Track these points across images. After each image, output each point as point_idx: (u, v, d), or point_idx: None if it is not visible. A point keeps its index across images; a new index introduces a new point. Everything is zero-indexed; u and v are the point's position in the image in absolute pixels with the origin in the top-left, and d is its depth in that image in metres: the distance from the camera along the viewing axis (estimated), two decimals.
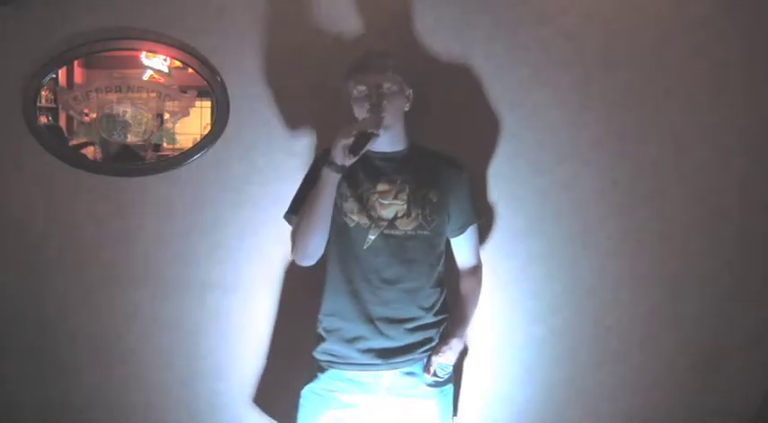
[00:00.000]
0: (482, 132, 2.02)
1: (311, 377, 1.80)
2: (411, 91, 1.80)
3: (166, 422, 2.12)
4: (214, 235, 2.06)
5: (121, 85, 2.05)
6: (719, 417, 2.07)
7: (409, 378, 1.76)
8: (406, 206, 1.75)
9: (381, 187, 1.76)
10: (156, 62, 2.05)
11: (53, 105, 2.07)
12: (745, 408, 2.08)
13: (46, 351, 2.10)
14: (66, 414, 2.12)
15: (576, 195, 2.02)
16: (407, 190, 1.76)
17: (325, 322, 1.80)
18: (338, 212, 1.76)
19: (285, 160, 2.03)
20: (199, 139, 2.04)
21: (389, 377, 1.75)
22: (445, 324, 1.84)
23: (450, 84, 2.01)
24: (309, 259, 1.78)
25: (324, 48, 2.00)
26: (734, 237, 2.02)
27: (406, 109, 1.80)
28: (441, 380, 1.78)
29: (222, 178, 2.05)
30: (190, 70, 2.02)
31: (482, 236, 2.02)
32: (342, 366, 1.76)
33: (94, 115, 2.06)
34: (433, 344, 1.79)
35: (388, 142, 1.77)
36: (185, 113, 2.07)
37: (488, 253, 2.03)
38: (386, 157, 1.79)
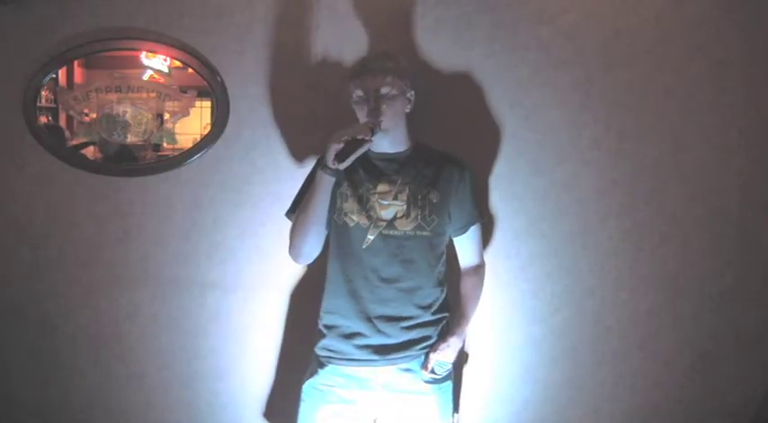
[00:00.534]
0: (482, 132, 2.02)
1: (312, 372, 1.82)
2: (413, 92, 1.80)
3: (166, 422, 2.12)
4: (214, 235, 2.06)
5: (121, 85, 2.05)
6: (719, 416, 2.07)
7: (406, 374, 1.77)
8: (405, 207, 1.76)
9: (381, 188, 1.77)
10: (156, 62, 2.05)
11: (53, 105, 2.07)
12: (745, 408, 2.08)
13: (46, 351, 2.10)
14: (66, 414, 2.12)
15: (576, 195, 2.02)
16: (407, 191, 1.76)
17: (325, 319, 1.82)
18: (338, 212, 1.77)
19: (285, 160, 2.03)
20: (199, 139, 2.04)
21: (386, 373, 1.76)
22: (445, 323, 1.84)
23: (451, 84, 2.01)
24: (304, 258, 1.81)
25: (324, 48, 2.00)
26: (734, 237, 2.02)
27: (408, 111, 1.80)
28: (438, 377, 1.78)
29: (222, 178, 2.05)
30: (190, 70, 2.02)
31: (483, 236, 2.02)
32: (340, 362, 1.78)
33: (94, 115, 2.06)
34: (431, 342, 1.79)
35: (388, 143, 1.78)
36: (185, 113, 2.07)
37: (488, 253, 2.03)
38: (387, 157, 1.79)
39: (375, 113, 1.70)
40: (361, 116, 1.74)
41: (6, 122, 2.02)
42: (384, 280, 1.75)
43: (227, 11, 2.00)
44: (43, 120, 2.04)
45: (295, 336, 2.06)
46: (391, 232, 1.75)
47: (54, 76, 2.03)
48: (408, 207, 1.76)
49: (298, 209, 1.80)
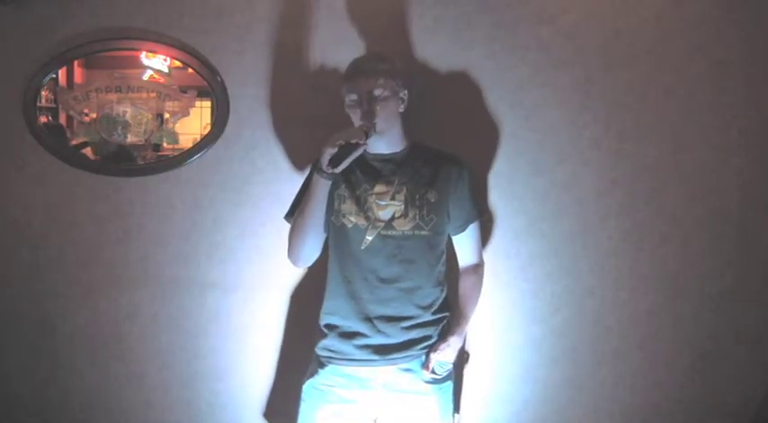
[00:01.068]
0: (482, 132, 2.02)
1: (312, 372, 1.82)
2: (406, 91, 1.79)
3: (166, 422, 2.12)
4: (214, 235, 2.06)
5: (121, 85, 2.05)
6: (719, 416, 2.07)
7: (406, 374, 1.77)
8: (403, 207, 1.76)
9: (378, 188, 1.77)
10: (156, 62, 2.05)
11: (53, 105, 2.07)
12: (745, 408, 2.08)
13: (45, 351, 2.10)
14: (66, 414, 2.12)
15: (576, 195, 2.02)
16: (405, 191, 1.76)
17: (325, 319, 1.82)
18: (336, 214, 1.77)
19: (285, 160, 2.03)
20: (199, 139, 2.04)
21: (386, 373, 1.76)
22: (445, 322, 1.84)
23: (450, 84, 2.01)
24: (304, 261, 1.82)
25: (324, 48, 2.00)
26: (734, 237, 2.02)
27: (402, 110, 1.79)
28: (439, 377, 1.78)
29: (222, 178, 2.05)
30: (190, 70, 2.02)
31: (482, 236, 2.02)
32: (340, 362, 1.78)
33: (94, 115, 2.06)
34: (432, 341, 1.79)
35: (384, 144, 1.78)
36: (185, 113, 2.07)
37: (488, 253, 2.03)
38: (383, 158, 1.79)
39: (369, 116, 1.70)
40: (356, 119, 1.74)
41: (6, 122, 2.02)
42: (383, 280, 1.75)
43: (227, 11, 2.01)
44: (43, 120, 2.04)
45: (295, 336, 2.06)
46: (390, 232, 1.75)
47: (54, 76, 2.03)
48: (406, 207, 1.76)
49: (296, 213, 1.80)
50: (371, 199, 1.76)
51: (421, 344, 1.78)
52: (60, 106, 2.07)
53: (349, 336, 1.77)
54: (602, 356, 2.07)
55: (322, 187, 1.71)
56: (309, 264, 1.83)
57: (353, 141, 1.64)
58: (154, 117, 2.07)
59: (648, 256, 2.03)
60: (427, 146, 1.86)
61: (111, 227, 2.06)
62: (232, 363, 2.10)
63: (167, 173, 2.05)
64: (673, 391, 2.07)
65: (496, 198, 2.03)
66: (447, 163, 1.83)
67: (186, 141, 2.07)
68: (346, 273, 1.77)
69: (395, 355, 1.76)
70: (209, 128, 2.04)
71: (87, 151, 2.08)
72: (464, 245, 1.88)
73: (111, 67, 2.06)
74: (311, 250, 1.80)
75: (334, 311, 1.80)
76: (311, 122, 2.00)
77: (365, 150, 1.72)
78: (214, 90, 2.00)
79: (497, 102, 2.00)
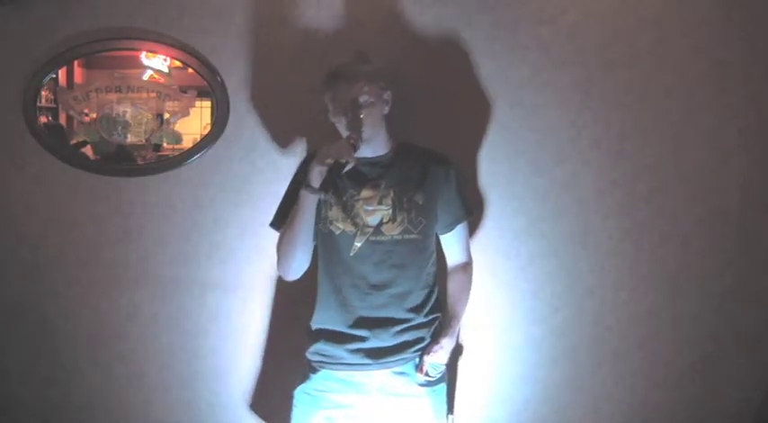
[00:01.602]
0: (482, 132, 2.01)
1: (304, 378, 1.80)
2: (390, 92, 1.76)
3: (166, 422, 2.12)
4: (214, 235, 2.06)
5: (121, 85, 2.05)
6: (719, 416, 2.07)
7: (400, 378, 1.75)
8: (391, 211, 1.73)
9: (365, 193, 1.74)
10: (156, 62, 2.05)
11: (53, 105, 2.07)
12: (745, 408, 2.08)
13: (46, 351, 2.10)
14: (66, 414, 2.12)
15: (576, 195, 2.02)
16: (392, 194, 1.74)
17: (316, 325, 1.80)
18: (323, 221, 1.75)
19: (285, 160, 2.03)
20: (199, 139, 2.04)
21: (380, 377, 1.75)
22: (437, 323, 1.83)
23: (450, 84, 2.00)
24: (294, 274, 1.79)
25: (324, 48, 2.00)
26: (734, 237, 2.03)
27: (386, 112, 1.77)
28: (433, 379, 1.77)
29: (222, 178, 2.05)
30: (190, 70, 2.02)
31: (482, 236, 2.03)
32: (333, 367, 1.76)
33: (94, 115, 2.06)
34: (425, 343, 1.78)
35: (370, 148, 1.75)
36: (185, 113, 2.07)
37: (488, 253, 2.03)
38: (369, 162, 1.77)
39: (355, 127, 1.67)
40: (341, 128, 1.72)
41: (6, 122, 2.02)
42: (374, 287, 1.73)
43: (227, 11, 2.00)
44: (43, 120, 2.04)
45: (295, 336, 2.05)
46: (379, 238, 1.73)
47: (54, 76, 2.03)
48: (394, 211, 1.73)
49: (283, 225, 1.78)
50: (358, 204, 1.73)
51: (414, 346, 1.77)
52: (60, 106, 2.07)
53: (341, 340, 1.75)
54: (602, 356, 2.07)
55: (311, 203, 1.69)
56: (300, 275, 1.80)
57: (343, 161, 1.60)
58: (154, 117, 2.07)
59: (648, 256, 2.03)
60: (413, 145, 1.84)
61: (111, 227, 2.06)
62: (232, 363, 2.10)
63: (167, 173, 2.05)
64: (673, 391, 2.07)
65: (496, 198, 2.03)
66: (434, 163, 1.80)
67: (186, 141, 2.07)
68: (336, 281, 1.76)
69: (388, 359, 1.74)
70: (209, 128, 2.04)
71: (87, 150, 2.08)
72: (452, 244, 1.86)
73: (111, 67, 2.06)
74: (302, 262, 1.77)
75: (326, 321, 1.78)
76: (311, 123, 2.00)
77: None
78: (214, 90, 2.00)
79: (497, 102, 2.00)
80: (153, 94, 2.06)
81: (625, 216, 2.02)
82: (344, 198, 1.74)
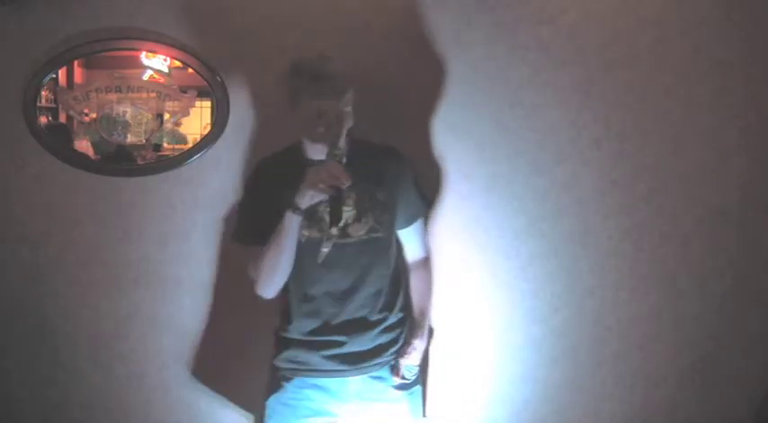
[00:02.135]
0: (482, 132, 2.01)
1: (275, 387, 1.76)
2: (351, 91, 1.67)
3: (166, 422, 2.12)
4: (214, 235, 2.06)
5: (121, 85, 2.05)
6: (719, 417, 2.07)
7: (377, 382, 1.74)
8: (355, 211, 1.69)
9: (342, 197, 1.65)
10: (156, 62, 2.05)
11: (53, 105, 2.07)
12: (745, 408, 2.08)
13: (46, 351, 2.10)
14: (66, 414, 2.12)
15: (576, 195, 2.02)
16: (353, 194, 1.68)
17: (288, 335, 1.76)
18: None
19: None
20: (199, 139, 2.04)
21: (357, 383, 1.72)
22: (407, 322, 1.81)
23: (450, 84, 2.00)
24: (276, 292, 1.74)
25: (324, 48, 1.99)
26: (734, 237, 2.03)
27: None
28: (408, 382, 1.77)
29: (222, 178, 2.05)
30: (190, 70, 2.02)
31: (482, 236, 2.03)
32: (307, 373, 1.72)
33: (94, 115, 2.06)
34: (399, 345, 1.77)
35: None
36: (185, 113, 2.07)
37: (488, 253, 2.03)
38: None
39: (336, 139, 1.60)
40: (314, 135, 1.64)
41: (6, 122, 2.02)
42: (347, 291, 1.70)
43: (226, 11, 2.00)
44: (43, 120, 2.04)
45: None
46: (346, 240, 1.68)
47: (54, 76, 2.03)
48: (358, 211, 1.69)
49: (251, 242, 1.72)
50: (321, 208, 1.65)
51: (390, 349, 1.75)
52: (60, 106, 2.07)
53: (315, 346, 1.71)
54: (602, 356, 2.07)
55: (296, 224, 1.62)
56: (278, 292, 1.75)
57: (343, 185, 1.54)
58: (154, 117, 2.07)
59: (648, 256, 2.03)
60: (364, 141, 1.78)
61: (112, 227, 2.06)
62: (232, 363, 2.10)
63: (167, 173, 2.05)
64: (673, 392, 2.07)
65: (497, 198, 2.03)
66: (389, 158, 1.78)
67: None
68: (307, 290, 1.71)
69: (365, 364, 1.72)
70: (209, 128, 2.04)
71: (88, 150, 2.08)
72: (412, 239, 1.83)
73: (111, 67, 2.06)
74: (284, 281, 1.71)
75: (298, 329, 1.74)
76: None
77: (308, 158, 1.67)
78: (214, 90, 2.00)
79: (497, 102, 2.00)
80: (153, 94, 2.06)
81: (625, 216, 2.02)
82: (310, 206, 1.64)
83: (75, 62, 2.05)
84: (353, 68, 1.72)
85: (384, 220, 1.72)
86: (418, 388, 1.82)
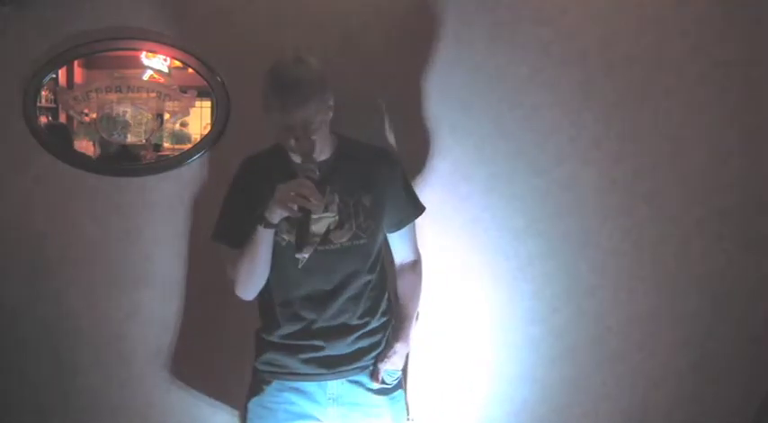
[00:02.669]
0: (482, 132, 2.01)
1: (256, 390, 1.74)
2: (332, 97, 1.63)
3: (166, 422, 2.12)
4: None
5: (121, 85, 2.05)
6: (719, 417, 2.08)
7: (356, 387, 1.71)
8: (337, 217, 1.65)
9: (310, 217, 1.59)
10: (156, 62, 2.05)
11: (53, 105, 2.06)
12: (745, 408, 2.08)
13: (46, 351, 2.10)
14: (66, 414, 2.12)
15: (576, 195, 2.02)
16: (337, 200, 1.65)
17: (265, 334, 1.74)
18: None
19: None
20: (199, 139, 2.05)
21: (335, 387, 1.70)
22: (390, 326, 1.79)
23: (450, 84, 2.00)
24: (254, 295, 1.72)
25: (324, 48, 2.00)
26: (734, 237, 2.02)
27: (330, 117, 1.64)
28: (389, 387, 1.74)
29: (222, 178, 2.05)
30: (190, 70, 2.02)
31: (482, 236, 2.03)
32: (286, 377, 1.70)
33: (94, 115, 2.06)
34: (380, 350, 1.74)
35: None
36: (185, 113, 2.07)
37: (488, 253, 2.03)
38: None
39: (308, 150, 1.54)
40: (289, 148, 1.61)
41: (6, 122, 2.02)
42: (326, 297, 1.66)
43: (226, 11, 2.00)
44: (44, 120, 2.04)
45: None
46: (327, 247, 1.64)
47: (54, 76, 2.03)
48: (341, 216, 1.65)
49: (230, 243, 1.70)
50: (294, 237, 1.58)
51: (370, 353, 1.72)
52: (60, 106, 2.07)
53: (294, 349, 1.69)
54: (602, 356, 2.07)
55: (268, 236, 1.58)
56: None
57: (312, 207, 1.50)
58: (154, 117, 2.07)
59: (648, 256, 2.03)
60: (354, 141, 1.74)
61: (112, 227, 2.06)
62: (232, 363, 2.10)
63: (167, 173, 2.05)
64: (672, 391, 2.07)
65: (497, 198, 2.03)
66: (379, 161, 1.73)
67: None
68: (286, 294, 1.68)
69: (343, 368, 1.69)
70: (209, 128, 2.04)
71: (89, 150, 2.08)
72: (401, 243, 1.80)
73: (111, 67, 2.06)
74: (262, 284, 1.68)
75: (277, 332, 1.71)
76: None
77: (291, 162, 1.64)
78: (214, 90, 2.00)
79: (497, 102, 2.00)
80: (153, 94, 2.06)
81: (625, 216, 2.02)
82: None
83: (75, 62, 2.05)
84: (328, 67, 1.68)
85: (368, 226, 1.67)
86: (400, 393, 1.78)
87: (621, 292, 2.05)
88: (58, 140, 2.04)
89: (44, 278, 2.08)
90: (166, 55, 2.02)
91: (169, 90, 2.06)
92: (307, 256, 1.63)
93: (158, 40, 2.00)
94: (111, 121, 2.06)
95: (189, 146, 2.05)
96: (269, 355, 1.73)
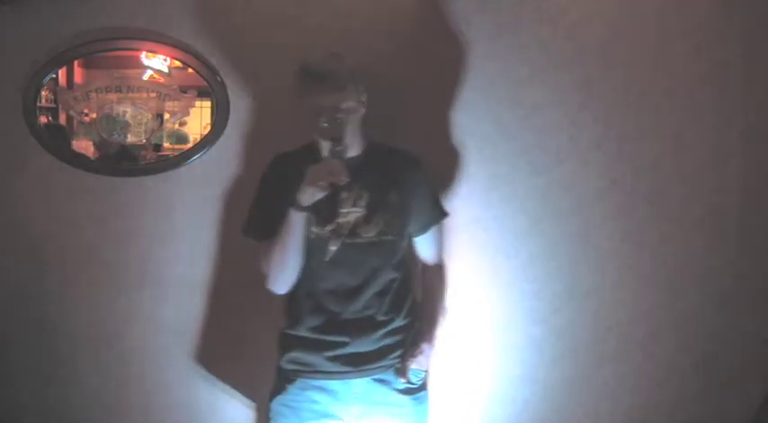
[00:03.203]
0: (482, 132, 2.01)
1: (279, 388, 1.75)
2: (366, 94, 1.70)
3: (166, 422, 2.12)
4: (214, 235, 2.06)
5: (121, 85, 2.05)
6: (719, 417, 2.07)
7: (381, 385, 1.72)
8: (365, 212, 1.68)
9: (340, 195, 1.66)
10: (156, 62, 2.05)
11: (53, 105, 2.07)
12: (745, 408, 2.08)
13: (46, 351, 2.10)
14: (66, 414, 2.12)
15: (576, 195, 2.02)
16: (366, 195, 1.69)
17: (290, 331, 1.75)
18: None
19: None
20: (199, 139, 2.05)
21: (361, 385, 1.71)
22: (415, 327, 1.80)
23: (450, 84, 2.00)
24: (287, 287, 1.73)
25: (324, 48, 1.99)
26: (734, 237, 2.02)
27: (362, 114, 1.71)
28: (414, 386, 1.74)
29: (222, 178, 2.05)
30: (190, 70, 2.02)
31: (482, 236, 2.03)
32: (311, 375, 1.71)
33: (94, 115, 2.06)
34: (404, 349, 1.74)
35: None
36: (185, 113, 2.07)
37: (488, 253, 2.03)
38: None
39: (339, 136, 1.60)
40: (318, 131, 1.66)
41: (6, 122, 2.02)
42: (352, 291, 1.69)
43: (226, 11, 2.01)
44: (43, 120, 2.04)
45: None
46: (355, 240, 1.67)
47: (54, 76, 2.03)
48: (369, 212, 1.68)
49: (262, 237, 1.72)
50: (327, 205, 1.63)
51: (395, 351, 1.73)
52: (60, 106, 2.07)
53: (319, 347, 1.70)
54: (603, 357, 2.06)
55: (301, 220, 1.62)
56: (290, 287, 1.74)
57: (342, 183, 1.55)
58: (154, 117, 2.07)
59: (648, 256, 2.03)
60: (383, 145, 1.78)
61: (112, 227, 2.06)
62: (232, 363, 2.10)
63: (167, 173, 2.05)
64: (673, 392, 2.07)
65: (497, 198, 2.03)
66: (406, 163, 1.77)
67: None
68: (312, 287, 1.70)
69: (369, 366, 1.70)
70: (209, 128, 2.04)
71: (88, 150, 2.08)
72: (426, 246, 1.83)
73: (111, 67, 2.06)
74: (295, 275, 1.70)
75: (301, 327, 1.72)
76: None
77: (322, 156, 1.66)
78: (214, 90, 2.00)
79: (497, 102, 2.00)
80: (153, 94, 2.06)
81: (625, 216, 2.02)
82: (318, 201, 1.63)
83: (75, 62, 2.05)
84: (362, 67, 1.74)
85: (395, 223, 1.71)
86: (425, 393, 1.79)
87: (622, 292, 2.05)
88: (57, 140, 2.04)
89: (44, 278, 2.08)
90: (166, 55, 2.02)
91: (169, 90, 2.07)
92: (335, 248, 1.67)
93: (158, 40, 2.00)
94: (111, 121, 2.06)
95: (189, 146, 2.05)
96: (294, 354, 1.73)
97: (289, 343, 1.76)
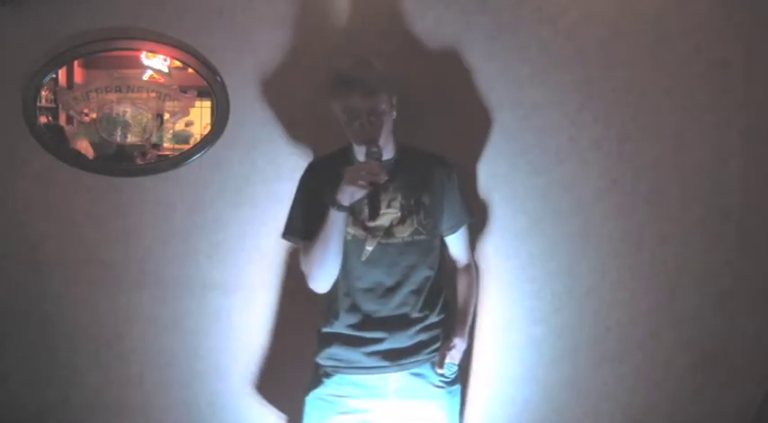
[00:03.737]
0: (482, 132, 2.01)
1: (316, 383, 1.79)
2: (396, 97, 1.75)
3: (166, 422, 2.12)
4: (214, 235, 2.06)
5: (121, 85, 2.05)
6: (719, 417, 2.07)
7: (417, 379, 1.76)
8: (400, 213, 1.74)
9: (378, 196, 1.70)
10: (156, 62, 2.05)
11: (53, 105, 2.07)
12: (745, 408, 2.08)
13: (46, 351, 2.10)
14: (66, 414, 2.12)
15: (576, 195, 2.02)
16: (400, 197, 1.75)
17: (329, 330, 1.80)
18: None
19: (285, 160, 2.03)
20: (199, 139, 2.04)
21: (397, 379, 1.75)
22: (449, 323, 1.84)
23: (450, 84, 2.00)
24: (328, 286, 1.76)
25: (324, 48, 2.00)
26: (734, 237, 2.02)
27: (394, 117, 1.75)
28: (448, 379, 1.79)
29: (222, 178, 2.05)
30: (190, 70, 2.02)
31: (483, 235, 2.03)
32: (348, 371, 1.76)
33: (94, 115, 2.06)
34: (440, 343, 1.80)
35: None
36: (185, 113, 2.07)
37: (488, 253, 2.03)
38: None
39: (373, 138, 1.66)
40: (352, 135, 1.70)
41: (6, 122, 2.02)
42: (388, 290, 1.75)
43: (227, 11, 2.00)
44: (43, 120, 2.04)
45: (295, 336, 2.05)
46: (390, 241, 1.74)
47: (54, 76, 2.03)
48: (403, 213, 1.74)
49: (301, 239, 1.76)
50: (364, 206, 1.70)
51: (430, 346, 1.78)
52: (60, 106, 2.07)
53: (357, 343, 1.75)
54: (603, 356, 2.07)
55: (340, 219, 1.66)
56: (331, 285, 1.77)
57: (381, 181, 1.62)
58: (154, 117, 2.07)
59: (648, 256, 2.03)
60: (413, 148, 1.85)
61: (111, 227, 2.06)
62: (232, 363, 2.10)
63: (167, 173, 2.05)
64: (673, 392, 2.07)
65: (497, 198, 2.03)
66: (436, 165, 1.83)
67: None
68: (349, 286, 1.76)
69: (406, 361, 1.75)
70: (209, 128, 2.04)
71: (87, 150, 2.08)
72: (456, 246, 1.88)
73: (111, 67, 2.06)
74: (335, 274, 1.73)
75: (340, 325, 1.77)
76: (311, 122, 2.01)
77: (357, 160, 1.72)
78: (214, 90, 2.00)
79: (497, 102, 2.00)
80: (153, 94, 2.06)
81: (625, 216, 2.02)
82: (353, 203, 1.68)
83: (75, 62, 2.06)
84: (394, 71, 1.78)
85: (428, 223, 1.77)
86: (457, 387, 1.85)
87: (622, 292, 2.05)
88: (56, 140, 2.04)
89: (44, 278, 2.08)
90: (166, 55, 2.02)
91: (169, 90, 2.07)
92: (371, 248, 1.73)
93: (158, 40, 2.00)
94: (111, 121, 2.06)
95: (189, 146, 2.05)
96: (331, 350, 1.78)
97: (327, 340, 1.80)
